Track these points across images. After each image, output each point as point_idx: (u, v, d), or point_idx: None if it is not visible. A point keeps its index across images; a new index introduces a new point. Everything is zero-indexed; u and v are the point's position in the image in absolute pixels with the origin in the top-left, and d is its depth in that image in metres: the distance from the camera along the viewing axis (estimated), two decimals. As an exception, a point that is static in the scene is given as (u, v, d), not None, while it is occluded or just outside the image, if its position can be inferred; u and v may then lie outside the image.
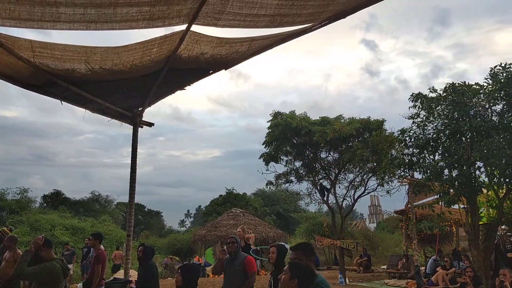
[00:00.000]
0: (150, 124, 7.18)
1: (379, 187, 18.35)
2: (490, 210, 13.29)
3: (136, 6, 3.73)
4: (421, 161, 12.30)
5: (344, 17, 5.01)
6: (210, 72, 5.85)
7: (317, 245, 19.78)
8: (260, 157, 19.05)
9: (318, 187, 19.44)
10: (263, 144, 18.75)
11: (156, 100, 6.84)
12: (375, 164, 17.37)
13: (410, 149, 12.55)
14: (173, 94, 6.42)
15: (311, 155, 18.89)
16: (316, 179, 19.49)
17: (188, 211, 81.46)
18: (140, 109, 6.91)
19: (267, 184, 20.10)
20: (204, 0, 3.71)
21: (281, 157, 19.24)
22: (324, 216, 32.52)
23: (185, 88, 6.38)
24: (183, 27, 4.45)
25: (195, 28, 4.50)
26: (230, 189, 46.03)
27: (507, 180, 10.82)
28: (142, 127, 7.01)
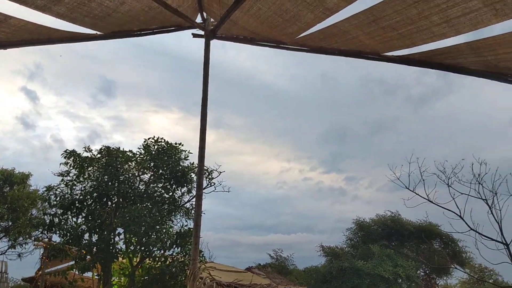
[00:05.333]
0: None
1: (10, 249, 16.50)
2: (122, 278, 14.07)
3: None
4: (62, 222, 11.95)
5: (5, 48, 4.55)
6: None
7: None
8: None
9: None
10: None
11: None
12: (10, 223, 15.69)
13: (54, 209, 12.07)
14: None
15: None
16: None
17: None
18: None
19: None
20: None
21: None
22: None
23: None
24: None
25: None
26: None
27: (143, 248, 11.87)
28: None
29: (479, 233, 9.30)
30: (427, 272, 33.45)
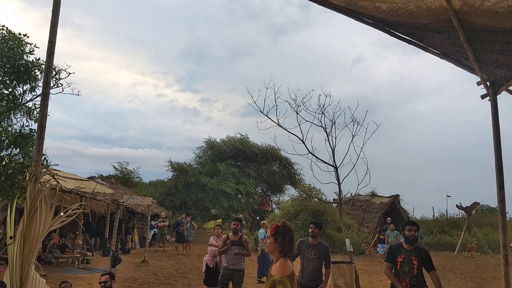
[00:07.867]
0: None
1: None
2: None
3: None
4: None
5: None
6: None
7: None
8: None
9: None
10: None
11: None
12: None
13: None
14: None
15: None
16: None
17: None
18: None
19: None
20: None
21: None
22: None
23: None
24: None
25: None
26: None
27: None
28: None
29: (316, 156, 10.78)
30: (264, 189, 37.28)
